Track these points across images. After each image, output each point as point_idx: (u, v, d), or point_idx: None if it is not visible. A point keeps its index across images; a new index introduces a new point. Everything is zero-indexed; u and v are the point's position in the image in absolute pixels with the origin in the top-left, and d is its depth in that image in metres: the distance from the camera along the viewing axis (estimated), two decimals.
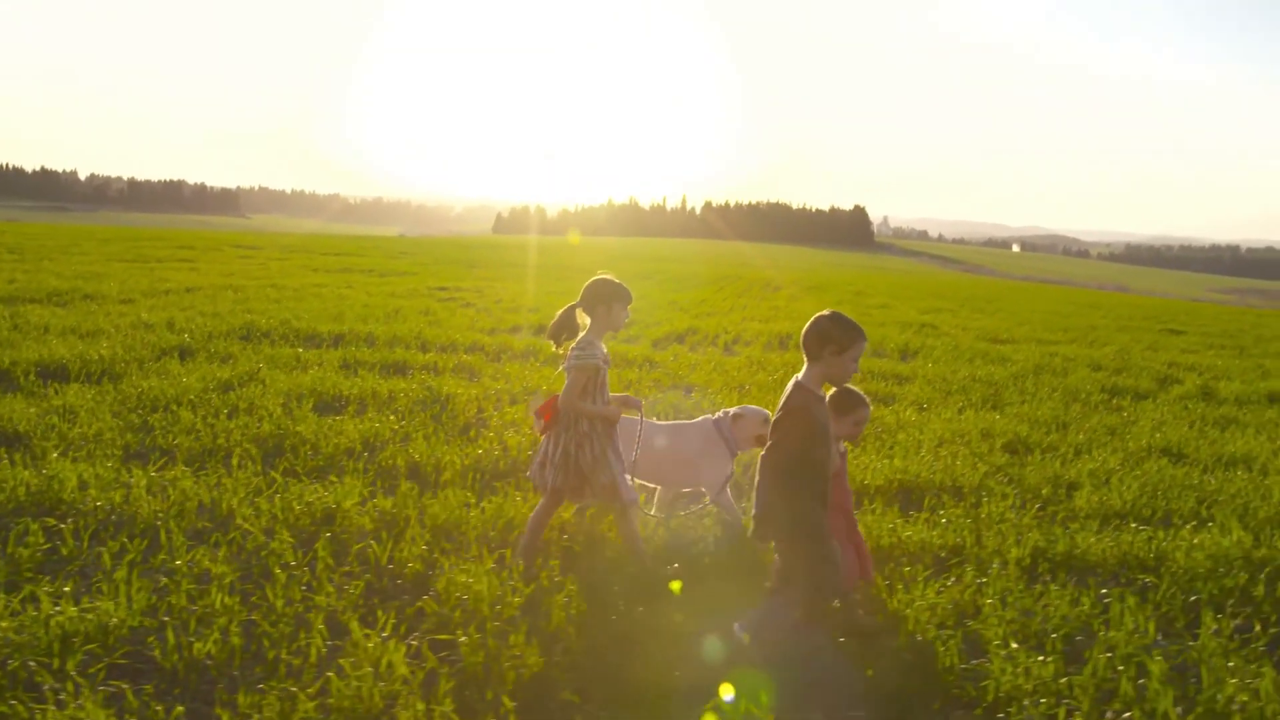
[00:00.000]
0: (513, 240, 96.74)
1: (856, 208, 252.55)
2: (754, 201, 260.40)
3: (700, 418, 5.58)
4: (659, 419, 6.47)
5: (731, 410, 5.39)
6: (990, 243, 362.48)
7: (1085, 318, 27.85)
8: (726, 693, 3.50)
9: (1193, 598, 4.54)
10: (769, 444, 3.93)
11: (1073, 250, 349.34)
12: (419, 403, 8.11)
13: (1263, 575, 4.77)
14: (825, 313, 3.99)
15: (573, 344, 4.59)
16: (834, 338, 3.87)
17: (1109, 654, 3.72)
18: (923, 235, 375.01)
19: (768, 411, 4.97)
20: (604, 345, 4.62)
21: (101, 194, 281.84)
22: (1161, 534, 5.29)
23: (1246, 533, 5.39)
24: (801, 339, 3.96)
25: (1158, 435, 8.70)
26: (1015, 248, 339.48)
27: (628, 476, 4.64)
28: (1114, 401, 11.22)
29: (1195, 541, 5.19)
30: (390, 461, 6.18)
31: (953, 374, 12.75)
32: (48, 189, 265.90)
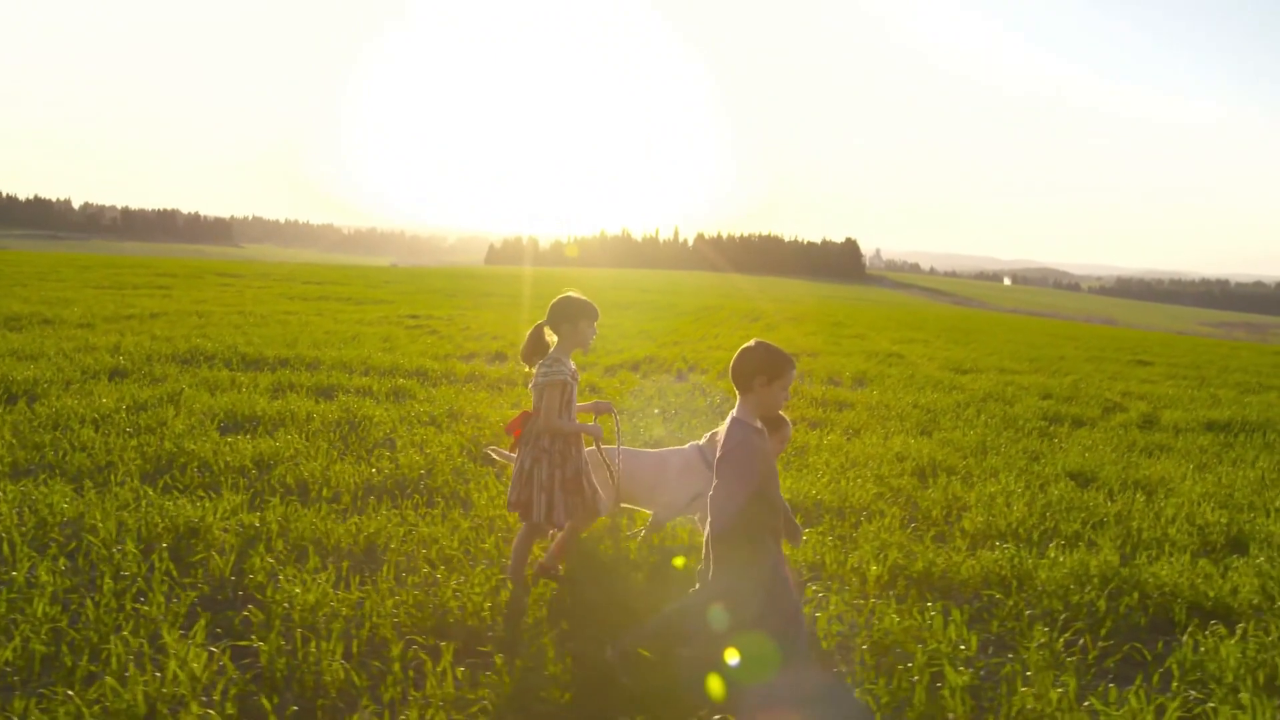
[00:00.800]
0: (500, 270, 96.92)
1: (848, 240, 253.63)
2: (746, 234, 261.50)
3: (688, 444, 5.51)
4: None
5: (718, 434, 5.23)
6: (982, 275, 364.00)
7: (1058, 349, 27.93)
8: (732, 657, 3.53)
9: (1027, 612, 4.57)
10: (714, 483, 3.86)
11: (1064, 283, 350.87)
12: (333, 424, 8.13)
13: (1107, 592, 4.81)
14: (751, 343, 3.98)
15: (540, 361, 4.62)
16: (762, 367, 3.86)
17: (906, 665, 3.74)
18: (914, 268, 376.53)
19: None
20: (572, 362, 4.65)
21: (95, 223, 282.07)
22: (1026, 554, 5.32)
23: (1116, 553, 5.42)
24: (730, 373, 3.95)
25: (1075, 460, 8.74)
26: (1006, 281, 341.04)
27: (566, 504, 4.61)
28: (1050, 429, 11.27)
29: (1060, 560, 5.21)
30: (280, 480, 6.20)
31: (897, 401, 12.80)
32: (41, 218, 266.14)
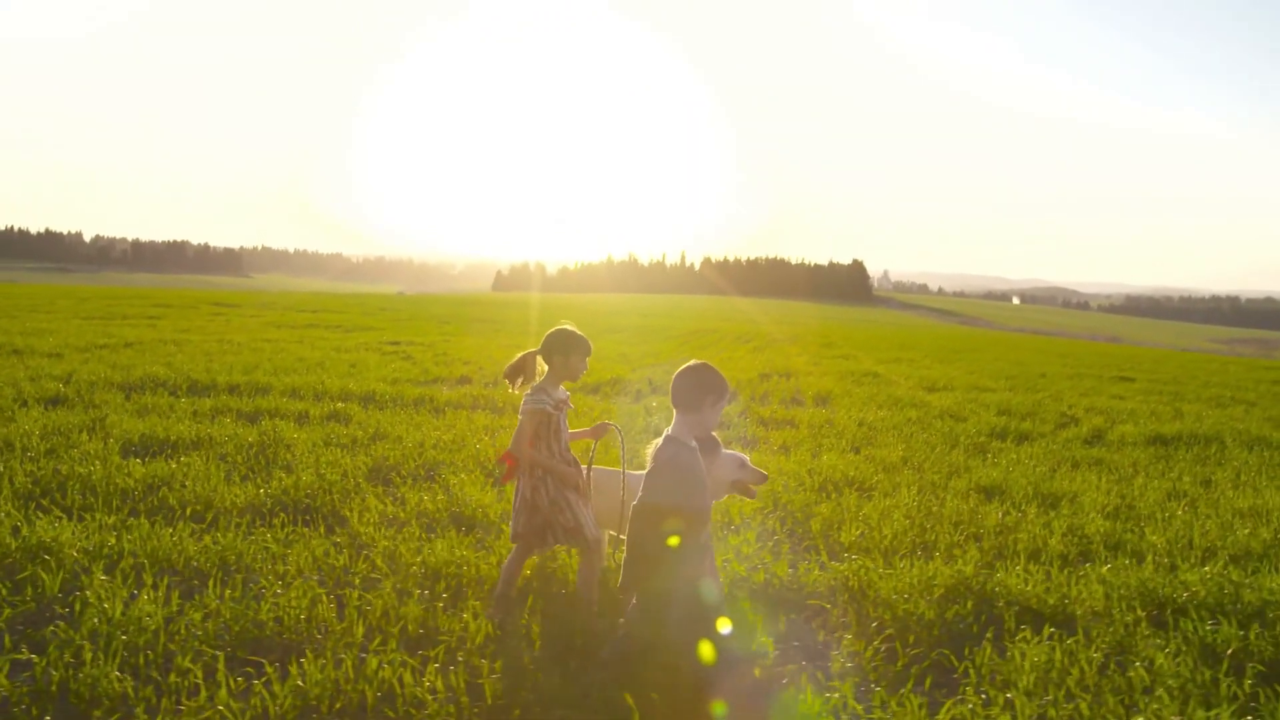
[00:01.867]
0: (503, 297, 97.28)
1: (855, 262, 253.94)
2: (753, 257, 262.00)
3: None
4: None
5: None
6: (990, 295, 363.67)
7: (1043, 366, 27.89)
8: (724, 626, 3.60)
9: (843, 620, 4.63)
10: (638, 500, 3.87)
11: (1073, 302, 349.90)
12: (246, 447, 8.21)
13: (937, 600, 4.85)
14: (695, 364, 3.99)
15: (529, 389, 4.71)
16: (712, 388, 3.90)
17: None
18: (923, 288, 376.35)
19: (745, 456, 4.88)
20: (562, 390, 4.74)
21: (105, 255, 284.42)
22: (872, 565, 5.36)
23: (971, 564, 5.45)
24: (676, 393, 3.92)
25: (992, 475, 8.76)
26: (1015, 300, 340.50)
27: (591, 518, 4.73)
28: (990, 444, 11.29)
29: (911, 571, 5.25)
30: (162, 501, 6.28)
31: (845, 419, 12.82)
32: (52, 250, 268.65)
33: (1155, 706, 3.66)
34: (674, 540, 3.73)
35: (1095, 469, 9.92)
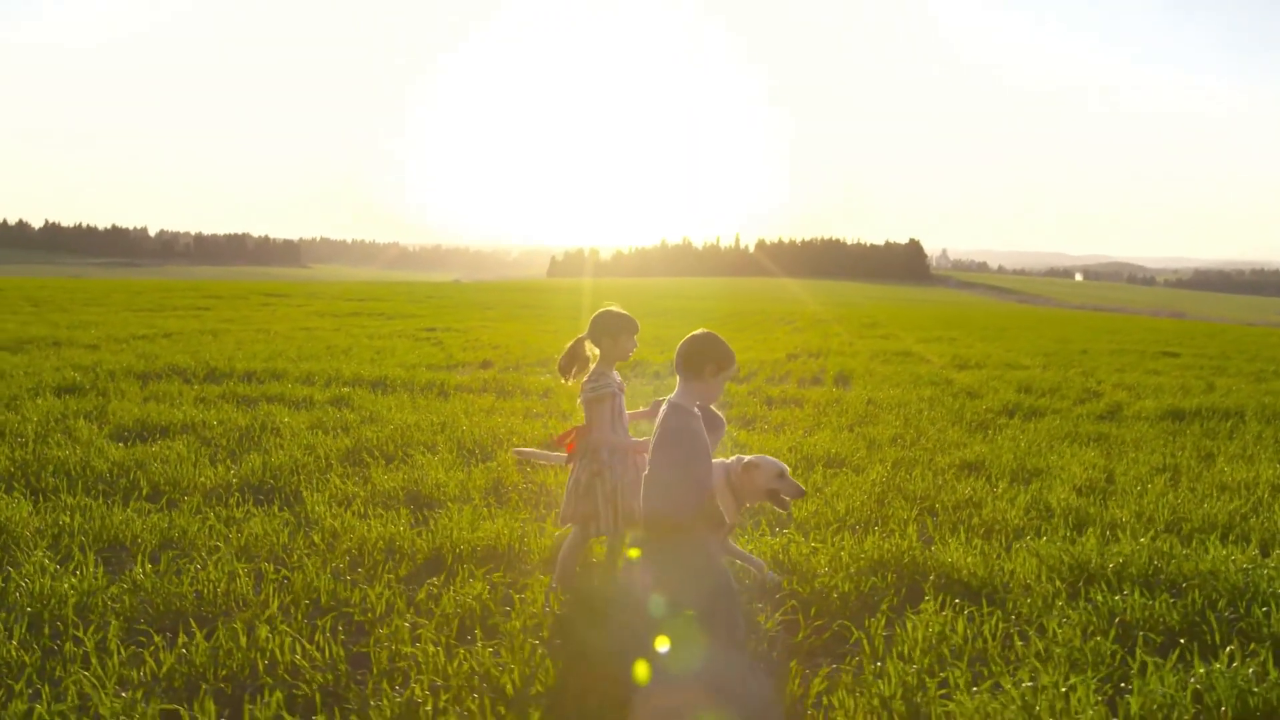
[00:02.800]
0: (554, 283, 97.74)
1: (911, 241, 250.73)
2: (808, 238, 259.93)
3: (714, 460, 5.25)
4: None
5: (746, 458, 4.97)
6: (1052, 272, 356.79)
7: (1089, 342, 27.34)
8: (661, 644, 3.64)
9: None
10: (648, 468, 3.91)
11: (1138, 278, 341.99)
12: (235, 430, 8.42)
13: (855, 574, 4.86)
14: (700, 332, 4.03)
15: (585, 377, 4.73)
16: (713, 356, 3.92)
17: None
18: (982, 267, 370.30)
19: (785, 466, 4.78)
20: (616, 374, 4.76)
21: (169, 249, 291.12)
22: (802, 539, 5.38)
23: (912, 539, 5.42)
24: (679, 359, 3.98)
25: (977, 451, 8.67)
26: (1078, 276, 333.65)
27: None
28: (997, 420, 11.16)
29: (844, 545, 5.25)
30: (136, 482, 6.48)
31: (855, 398, 12.73)
32: (118, 246, 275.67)
33: (1026, 673, 3.66)
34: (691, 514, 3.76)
35: (1097, 444, 9.76)
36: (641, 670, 3.61)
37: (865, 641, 4.02)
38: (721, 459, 5.04)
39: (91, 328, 20.63)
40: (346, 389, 11.51)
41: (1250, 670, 3.57)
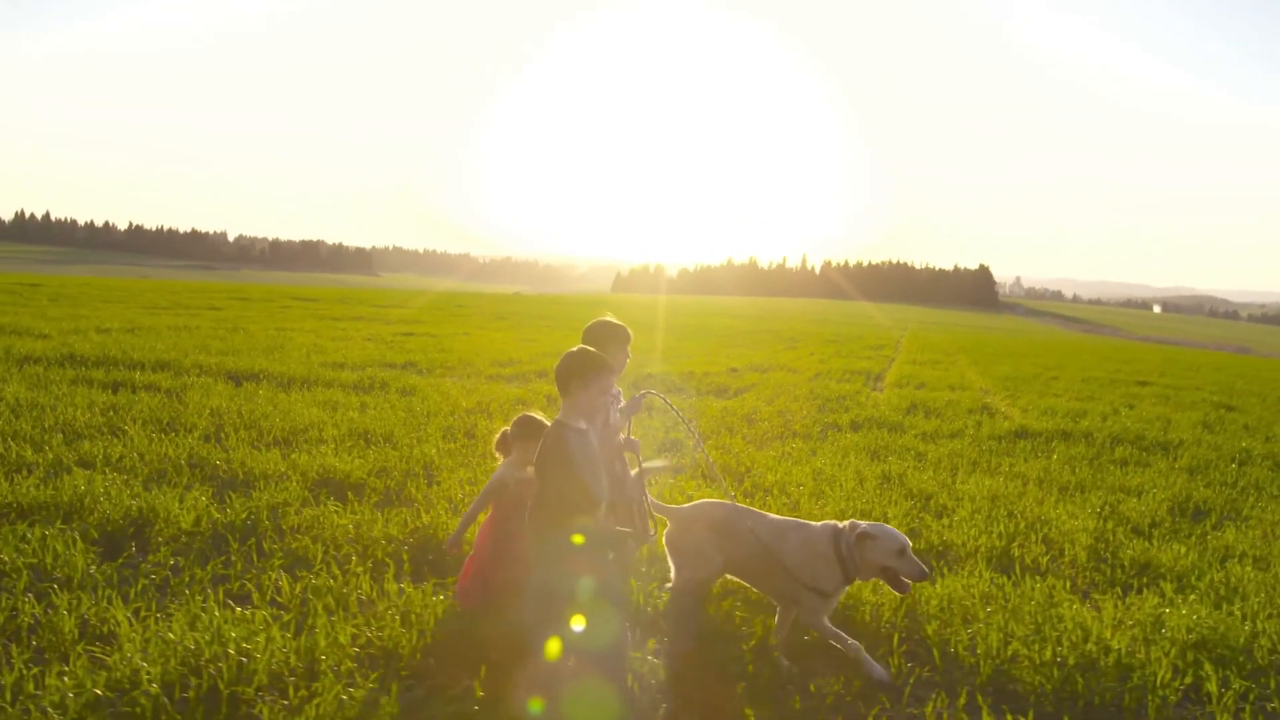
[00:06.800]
0: (605, 298, 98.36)
1: (981, 267, 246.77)
2: (876, 261, 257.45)
3: (823, 522, 4.79)
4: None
5: (862, 524, 4.51)
6: (1129, 303, 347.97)
7: (1085, 371, 26.80)
8: (578, 623, 3.80)
9: None
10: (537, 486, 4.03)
11: (1220, 311, 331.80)
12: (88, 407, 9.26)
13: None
14: (569, 350, 4.07)
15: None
16: (575, 372, 3.96)
17: None
18: (1056, 296, 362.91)
19: (907, 542, 4.46)
20: (614, 386, 4.66)
21: (246, 254, 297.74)
22: None
23: None
24: (556, 378, 4.03)
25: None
26: (1156, 308, 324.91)
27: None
28: (914, 442, 11.19)
29: None
30: None
31: (799, 410, 13.11)
32: (198, 249, 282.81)
33: None
34: (578, 539, 3.87)
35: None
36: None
37: None
38: (834, 522, 4.73)
39: (65, 320, 21.09)
40: (253, 384, 12.09)
41: None
